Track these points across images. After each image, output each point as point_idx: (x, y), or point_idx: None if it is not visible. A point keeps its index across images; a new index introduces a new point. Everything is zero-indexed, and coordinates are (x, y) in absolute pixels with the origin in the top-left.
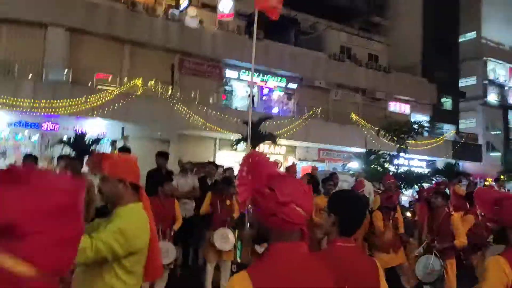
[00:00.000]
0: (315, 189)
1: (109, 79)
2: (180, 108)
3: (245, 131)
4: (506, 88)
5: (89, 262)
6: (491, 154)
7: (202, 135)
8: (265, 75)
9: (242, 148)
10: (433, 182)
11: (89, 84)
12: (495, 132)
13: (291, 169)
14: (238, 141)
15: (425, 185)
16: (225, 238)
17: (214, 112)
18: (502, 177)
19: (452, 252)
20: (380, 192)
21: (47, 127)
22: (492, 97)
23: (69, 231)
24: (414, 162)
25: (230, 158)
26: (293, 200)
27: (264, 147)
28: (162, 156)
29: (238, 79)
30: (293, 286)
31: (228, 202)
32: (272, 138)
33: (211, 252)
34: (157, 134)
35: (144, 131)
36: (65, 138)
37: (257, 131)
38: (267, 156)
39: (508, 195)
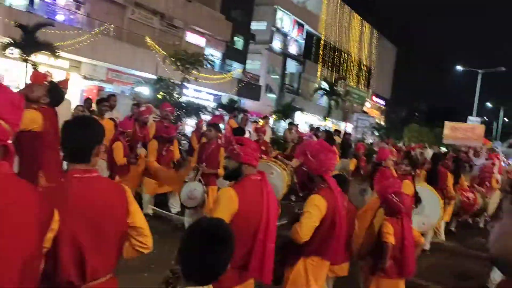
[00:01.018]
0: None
1: None
2: None
3: (18, 35)
4: (288, 38)
5: None
6: (268, 95)
7: None
8: None
9: (14, 55)
10: (212, 114)
11: None
12: (274, 76)
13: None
14: (7, 46)
15: (204, 117)
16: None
17: None
18: (274, 116)
19: (214, 180)
20: (157, 120)
21: None
22: (276, 44)
23: None
24: (203, 94)
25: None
26: None
27: (42, 58)
28: None
29: None
30: None
31: None
32: (50, 48)
33: None
34: None
35: None
36: None
37: (33, 37)
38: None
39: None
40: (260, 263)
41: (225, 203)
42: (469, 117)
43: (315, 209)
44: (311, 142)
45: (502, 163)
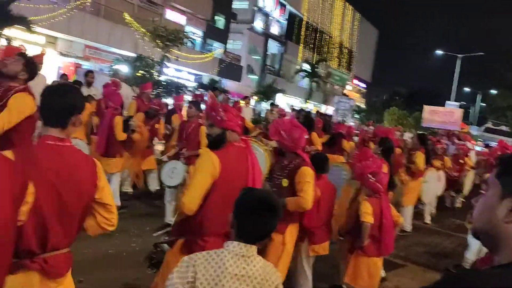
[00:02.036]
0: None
1: None
2: None
3: None
4: (270, 18)
5: None
6: (250, 76)
7: None
8: None
9: None
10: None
11: None
12: (255, 57)
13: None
14: None
15: (186, 96)
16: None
17: None
18: (255, 97)
19: (195, 159)
20: (136, 97)
21: None
22: (258, 24)
23: None
24: (184, 74)
25: None
26: None
27: (16, 33)
28: None
29: None
30: None
31: None
32: (23, 23)
33: None
34: None
35: None
36: None
37: (6, 10)
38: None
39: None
40: None
41: (205, 166)
42: (447, 102)
43: (312, 180)
44: (284, 121)
45: (477, 147)
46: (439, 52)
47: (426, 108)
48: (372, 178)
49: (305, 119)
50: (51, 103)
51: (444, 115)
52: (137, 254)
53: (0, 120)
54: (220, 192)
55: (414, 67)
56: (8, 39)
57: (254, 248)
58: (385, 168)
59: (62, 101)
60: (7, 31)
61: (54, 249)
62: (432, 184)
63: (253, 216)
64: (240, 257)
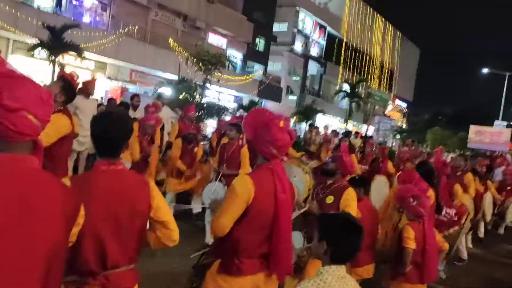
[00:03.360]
0: None
1: None
2: None
3: (45, 36)
4: (310, 39)
5: None
6: (289, 97)
7: None
8: None
9: (42, 56)
10: (233, 115)
11: None
12: (295, 78)
13: (90, 85)
14: (35, 47)
15: (226, 118)
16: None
17: (7, 7)
18: (295, 118)
19: None
20: (179, 119)
21: None
22: (298, 46)
23: None
24: (224, 96)
25: (27, 65)
26: (24, 107)
27: (68, 59)
28: None
29: None
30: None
31: None
32: (76, 49)
33: None
34: None
35: None
36: None
37: (60, 38)
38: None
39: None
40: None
41: (240, 191)
42: (496, 121)
43: (355, 201)
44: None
45: None
46: (485, 70)
47: (473, 128)
48: (414, 201)
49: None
50: (106, 134)
51: (491, 135)
52: (178, 273)
53: None
54: (253, 212)
55: (458, 86)
56: (62, 66)
57: (345, 268)
58: (430, 193)
59: (117, 132)
60: (60, 58)
61: (114, 267)
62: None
63: (347, 238)
64: (341, 279)
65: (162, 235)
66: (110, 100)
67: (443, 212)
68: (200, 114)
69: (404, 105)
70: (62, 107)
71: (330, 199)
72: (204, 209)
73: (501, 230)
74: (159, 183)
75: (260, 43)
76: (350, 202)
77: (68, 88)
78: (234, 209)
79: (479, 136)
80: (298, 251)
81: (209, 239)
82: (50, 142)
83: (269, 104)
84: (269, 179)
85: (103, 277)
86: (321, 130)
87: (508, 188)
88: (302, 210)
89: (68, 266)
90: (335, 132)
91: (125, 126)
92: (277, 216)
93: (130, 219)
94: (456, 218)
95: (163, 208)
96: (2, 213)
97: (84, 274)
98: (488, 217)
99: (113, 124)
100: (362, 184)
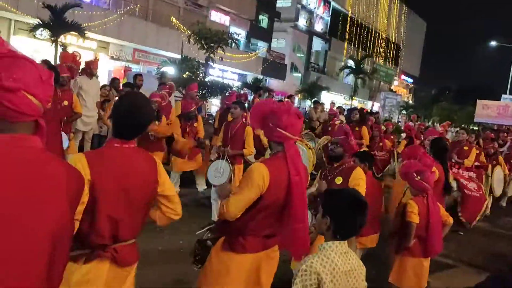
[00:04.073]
0: None
1: None
2: None
3: (47, 16)
4: (314, 15)
5: None
6: (294, 74)
7: None
8: None
9: (44, 36)
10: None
11: None
12: (299, 55)
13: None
14: (36, 27)
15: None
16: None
17: None
18: (300, 95)
19: (241, 158)
20: (182, 98)
21: None
22: (302, 22)
23: None
24: (228, 74)
25: (29, 46)
26: (23, 87)
27: (71, 39)
28: None
29: None
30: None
31: None
32: (78, 29)
33: None
34: None
35: None
36: None
37: (61, 18)
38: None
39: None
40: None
41: (256, 180)
42: (503, 95)
43: (364, 178)
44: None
45: None
46: (492, 43)
47: (480, 103)
48: (418, 176)
49: (360, 113)
50: (130, 119)
51: (498, 109)
52: (184, 250)
53: None
54: (266, 201)
55: (466, 60)
56: (64, 46)
57: (347, 243)
58: (437, 169)
59: (141, 118)
60: (62, 38)
61: (122, 240)
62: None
63: (351, 215)
64: (344, 254)
65: (167, 210)
66: (114, 80)
67: (472, 188)
68: (203, 92)
69: (410, 80)
70: None
71: (339, 180)
72: (209, 186)
73: (503, 203)
74: (165, 164)
75: (264, 20)
76: (359, 181)
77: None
78: (248, 197)
79: (486, 110)
80: None
81: (215, 217)
82: None
83: (273, 82)
84: (284, 167)
85: (113, 250)
86: (327, 107)
87: None
88: (313, 189)
89: (79, 240)
90: (340, 109)
91: (149, 114)
92: (292, 197)
93: (139, 194)
94: (481, 192)
95: (168, 183)
96: (5, 194)
97: (94, 247)
98: (498, 193)
99: (139, 110)
100: (366, 159)
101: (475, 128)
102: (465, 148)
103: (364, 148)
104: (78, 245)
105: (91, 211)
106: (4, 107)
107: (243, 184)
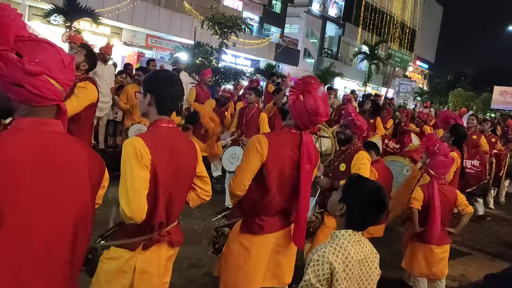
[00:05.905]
0: None
1: None
2: None
3: (60, 2)
4: (328, 0)
5: None
6: (307, 60)
7: None
8: None
9: (58, 22)
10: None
11: None
12: (313, 40)
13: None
14: (50, 12)
15: (243, 82)
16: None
17: None
18: None
19: None
20: (196, 84)
21: None
22: (315, 7)
23: None
24: (241, 60)
25: (44, 32)
26: (45, 71)
27: (84, 25)
28: None
29: None
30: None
31: None
32: (91, 15)
33: None
34: None
35: None
36: None
37: (75, 3)
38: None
39: None
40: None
41: (251, 148)
42: None
43: (368, 162)
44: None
45: None
46: (510, 28)
47: (497, 89)
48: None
49: (372, 103)
50: (173, 94)
51: None
52: (200, 235)
53: (69, 107)
54: (271, 171)
55: (483, 46)
56: (77, 32)
57: (360, 232)
58: (455, 157)
59: (179, 90)
60: (76, 24)
61: (173, 221)
62: None
63: (369, 212)
64: (357, 243)
65: (201, 191)
66: (127, 66)
67: (469, 165)
68: (217, 78)
69: (425, 66)
70: (86, 75)
71: (343, 167)
72: (224, 172)
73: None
74: None
75: (277, 5)
76: (360, 165)
77: (91, 56)
78: (250, 165)
79: (504, 96)
80: (309, 214)
81: (229, 202)
82: (80, 108)
83: (286, 68)
84: (288, 142)
85: (167, 232)
86: (341, 94)
87: None
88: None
89: (137, 226)
90: (354, 94)
91: (182, 87)
92: (300, 184)
93: (187, 173)
94: (481, 168)
95: (202, 165)
96: (30, 178)
97: (149, 231)
98: None
99: (179, 85)
100: (371, 147)
101: (492, 115)
102: (474, 137)
103: (378, 137)
104: (136, 231)
105: (154, 193)
106: (27, 91)
107: (244, 156)
